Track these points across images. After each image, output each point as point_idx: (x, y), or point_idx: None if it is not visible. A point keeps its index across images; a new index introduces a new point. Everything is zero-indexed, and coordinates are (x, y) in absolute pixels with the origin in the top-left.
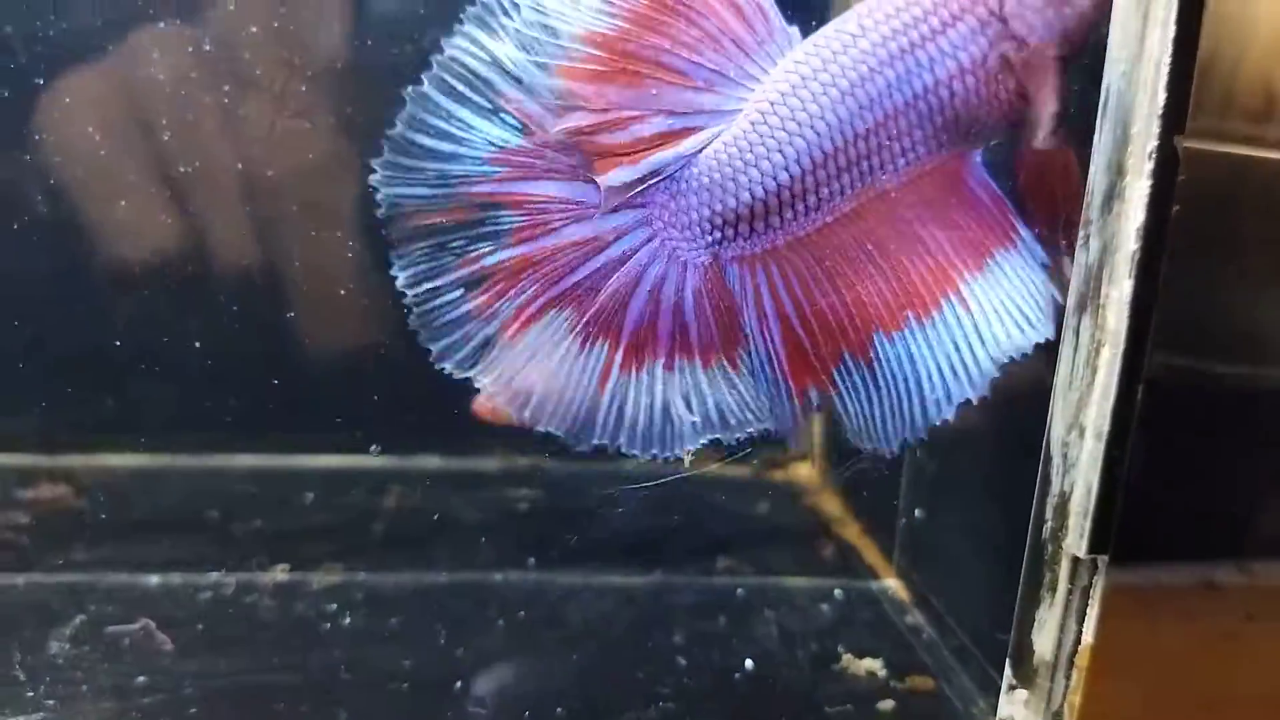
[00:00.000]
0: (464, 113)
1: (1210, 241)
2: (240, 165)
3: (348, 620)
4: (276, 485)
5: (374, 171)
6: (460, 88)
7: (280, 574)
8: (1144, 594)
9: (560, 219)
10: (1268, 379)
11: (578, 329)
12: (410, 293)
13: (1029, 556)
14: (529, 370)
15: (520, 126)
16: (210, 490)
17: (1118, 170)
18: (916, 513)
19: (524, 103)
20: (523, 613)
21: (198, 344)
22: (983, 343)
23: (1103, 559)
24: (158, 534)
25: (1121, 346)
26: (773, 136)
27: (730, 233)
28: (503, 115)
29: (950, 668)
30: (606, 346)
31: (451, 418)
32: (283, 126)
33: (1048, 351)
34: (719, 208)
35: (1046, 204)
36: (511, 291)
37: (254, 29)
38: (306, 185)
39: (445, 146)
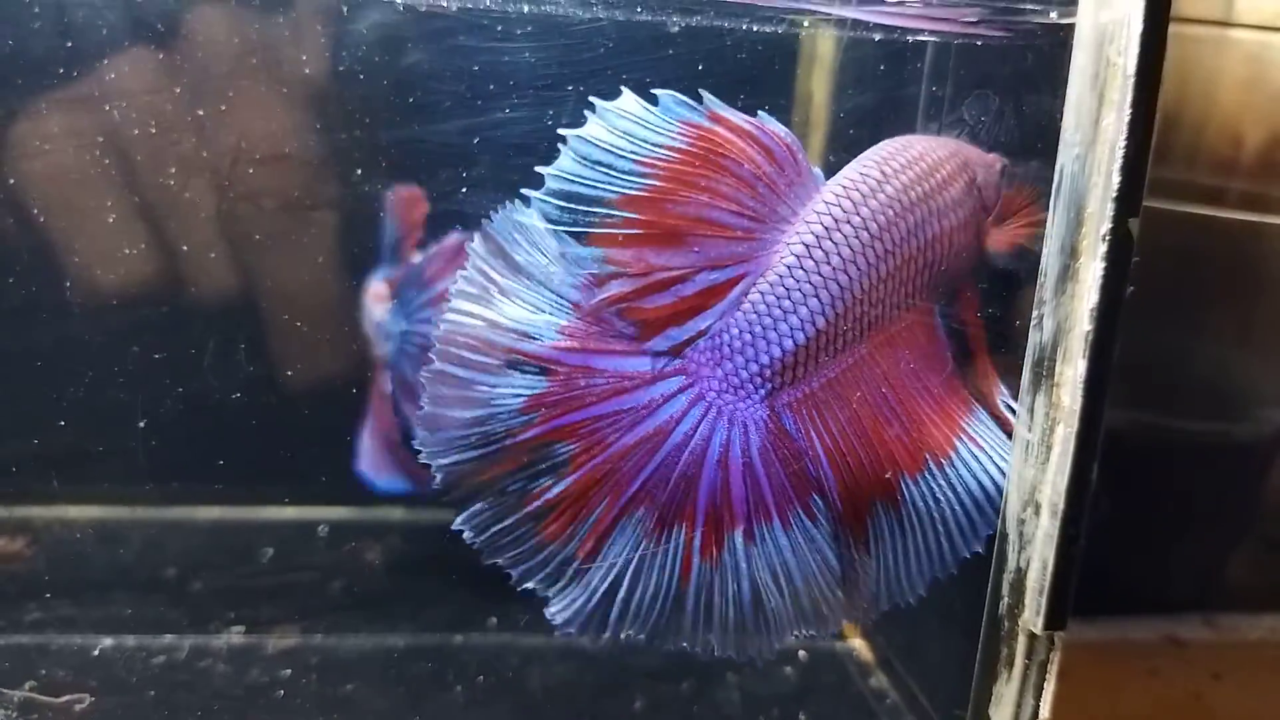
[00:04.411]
0: (481, 378)
1: (1173, 299)
2: (203, 213)
3: (303, 685)
4: (236, 539)
5: (420, 452)
6: (470, 356)
7: (235, 636)
8: (1107, 651)
9: (614, 429)
10: (1232, 434)
11: (652, 523)
12: (478, 540)
13: (986, 631)
14: (608, 583)
15: (540, 370)
16: (168, 545)
17: (1071, 252)
18: None
19: (536, 348)
20: (481, 677)
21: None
22: (1002, 474)
23: (1059, 635)
24: (113, 592)
25: (1076, 425)
26: (809, 281)
27: (778, 381)
28: (521, 368)
29: None
30: (683, 531)
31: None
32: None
33: None
34: (765, 360)
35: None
36: (582, 513)
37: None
38: (275, 230)
39: (476, 412)
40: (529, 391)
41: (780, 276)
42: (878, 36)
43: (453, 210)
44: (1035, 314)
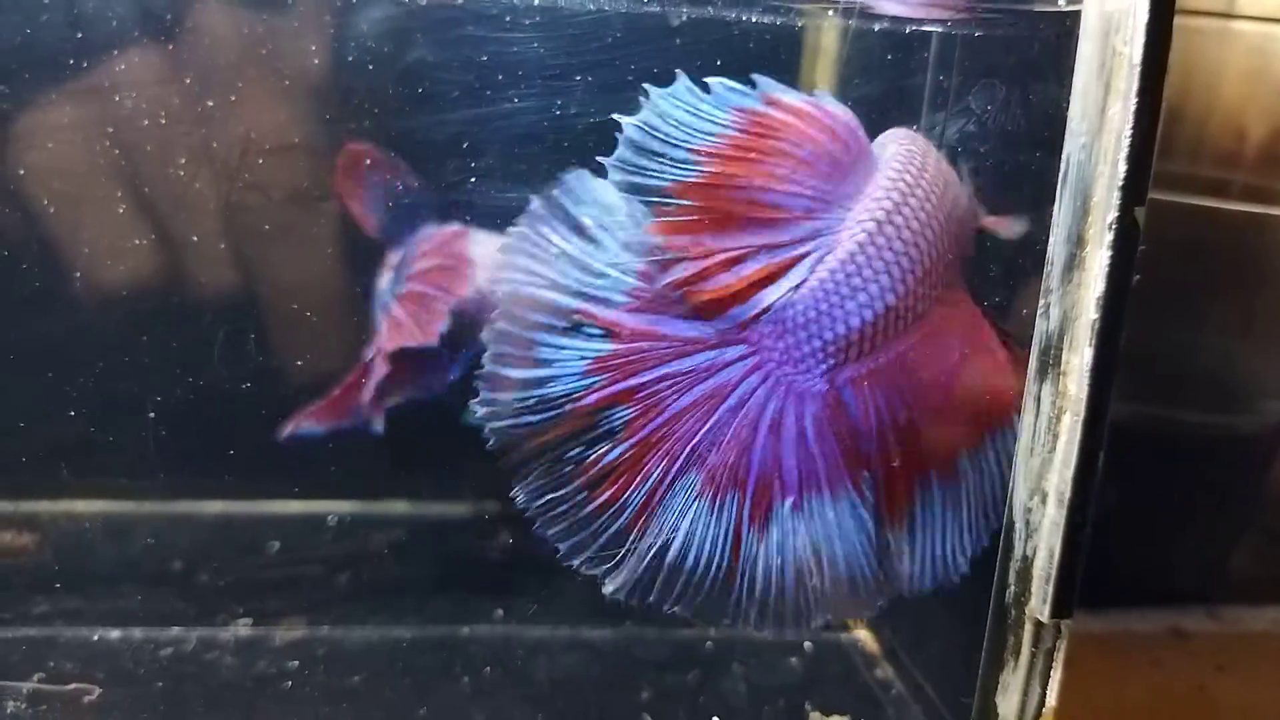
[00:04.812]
0: (546, 338)
1: (1178, 291)
2: (211, 206)
3: (309, 677)
4: (243, 533)
5: (475, 411)
6: (533, 316)
7: (242, 628)
8: (1112, 643)
9: (673, 392)
10: (1236, 426)
11: (706, 491)
12: (531, 507)
13: (992, 620)
14: (660, 550)
15: (605, 333)
16: (176, 538)
17: (1078, 241)
18: None
19: (600, 310)
20: (489, 669)
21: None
22: None
23: (1066, 623)
24: (121, 585)
25: (1082, 413)
26: (880, 258)
27: (842, 358)
28: (585, 330)
29: None
30: (735, 499)
31: (419, 463)
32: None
33: None
34: (829, 336)
35: None
36: (637, 480)
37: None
38: (281, 222)
39: (538, 373)
40: (593, 354)
41: (850, 254)
42: (877, 27)
43: (461, 200)
44: (1042, 303)
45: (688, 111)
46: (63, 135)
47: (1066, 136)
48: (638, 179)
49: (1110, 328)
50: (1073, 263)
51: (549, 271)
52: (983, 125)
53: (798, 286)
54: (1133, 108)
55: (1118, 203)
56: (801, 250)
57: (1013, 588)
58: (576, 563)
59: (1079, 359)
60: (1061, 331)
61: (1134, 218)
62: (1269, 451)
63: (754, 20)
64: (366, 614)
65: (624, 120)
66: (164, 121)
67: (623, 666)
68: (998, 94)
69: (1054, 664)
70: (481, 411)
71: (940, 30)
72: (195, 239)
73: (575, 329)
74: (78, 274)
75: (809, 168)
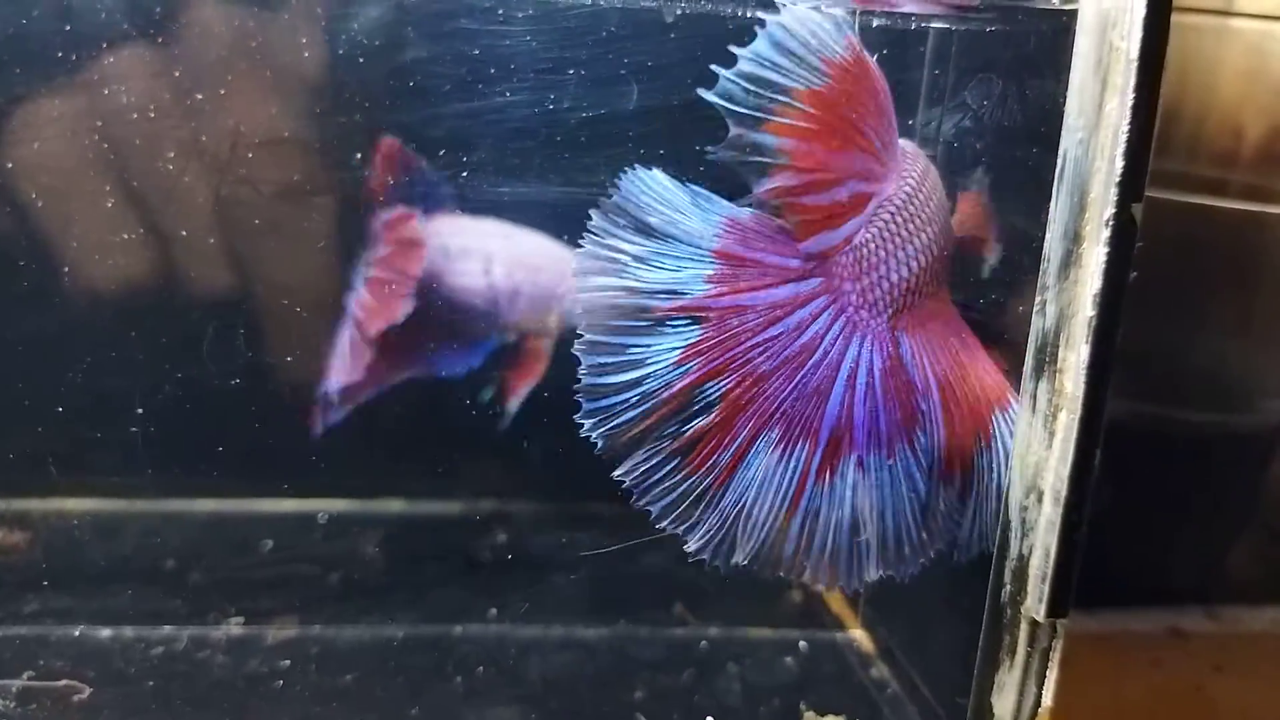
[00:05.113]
0: (635, 340)
1: (1176, 290)
2: (200, 200)
3: (301, 676)
4: (235, 532)
5: (582, 425)
6: (618, 323)
7: (234, 627)
8: (1109, 642)
9: (765, 358)
10: (1234, 425)
11: (783, 443)
12: (629, 479)
13: (988, 619)
14: (738, 507)
15: (693, 320)
16: (167, 537)
17: (1074, 238)
18: None
19: (683, 301)
20: (481, 668)
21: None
22: None
23: (1062, 622)
24: (112, 584)
25: (1079, 411)
26: (921, 215)
27: (902, 303)
28: (670, 323)
29: None
30: (806, 449)
31: (414, 460)
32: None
33: None
34: (895, 279)
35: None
36: (726, 440)
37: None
38: (274, 218)
39: (633, 374)
40: (683, 343)
41: (904, 202)
42: (875, 23)
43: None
44: (1038, 300)
45: (816, 26)
46: (51, 129)
47: (1063, 132)
48: (769, 74)
49: (1107, 325)
50: (1069, 259)
51: (624, 280)
52: (979, 120)
53: (868, 224)
54: (1130, 103)
55: (1115, 199)
56: (874, 188)
57: (1008, 587)
58: (668, 525)
59: (1076, 356)
60: (1058, 329)
61: (1131, 214)
62: (1267, 450)
63: (748, 15)
64: (359, 613)
65: (769, 18)
66: (154, 115)
67: (616, 666)
68: (994, 89)
69: (1050, 663)
70: (588, 424)
71: (938, 25)
72: (185, 234)
73: (661, 324)
74: (67, 270)
75: (884, 115)
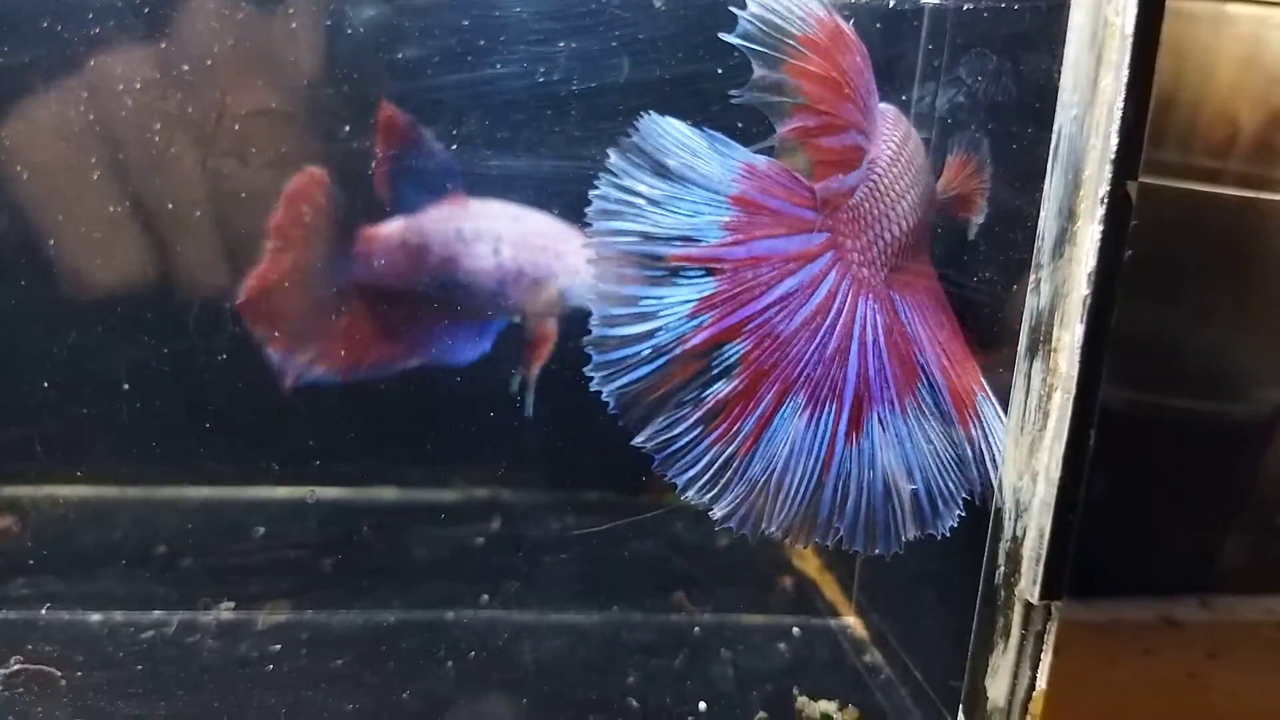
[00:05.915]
0: (646, 290)
1: (1171, 276)
2: (190, 177)
3: (292, 660)
4: (226, 518)
5: (591, 379)
6: (629, 272)
7: (224, 612)
8: (1102, 631)
9: (782, 316)
10: (1228, 413)
11: (809, 407)
12: (650, 445)
13: (981, 602)
14: (767, 474)
15: (706, 271)
16: (158, 523)
17: (1069, 215)
18: None
19: (697, 250)
20: (473, 653)
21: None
22: None
23: (1056, 604)
24: (102, 568)
25: (1073, 391)
26: (910, 170)
27: (895, 262)
28: (684, 273)
29: (907, 710)
30: (833, 411)
31: (408, 448)
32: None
33: None
34: (888, 237)
35: None
36: (750, 404)
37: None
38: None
39: (645, 326)
40: (697, 295)
41: (890, 161)
42: None
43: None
44: (1032, 279)
45: None
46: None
47: (1058, 109)
48: (773, 16)
49: (1102, 303)
50: (1064, 238)
51: (639, 225)
52: (973, 96)
53: (864, 179)
54: (1125, 79)
55: (1109, 176)
56: (864, 142)
57: (1002, 569)
58: (692, 495)
59: (1070, 335)
60: (1052, 308)
61: (1126, 191)
62: (1262, 439)
63: None
64: (350, 598)
65: None
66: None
67: (609, 651)
68: (989, 64)
69: (1044, 646)
70: (597, 378)
71: (933, 2)
72: (176, 213)
73: (674, 274)
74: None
75: (864, 75)
